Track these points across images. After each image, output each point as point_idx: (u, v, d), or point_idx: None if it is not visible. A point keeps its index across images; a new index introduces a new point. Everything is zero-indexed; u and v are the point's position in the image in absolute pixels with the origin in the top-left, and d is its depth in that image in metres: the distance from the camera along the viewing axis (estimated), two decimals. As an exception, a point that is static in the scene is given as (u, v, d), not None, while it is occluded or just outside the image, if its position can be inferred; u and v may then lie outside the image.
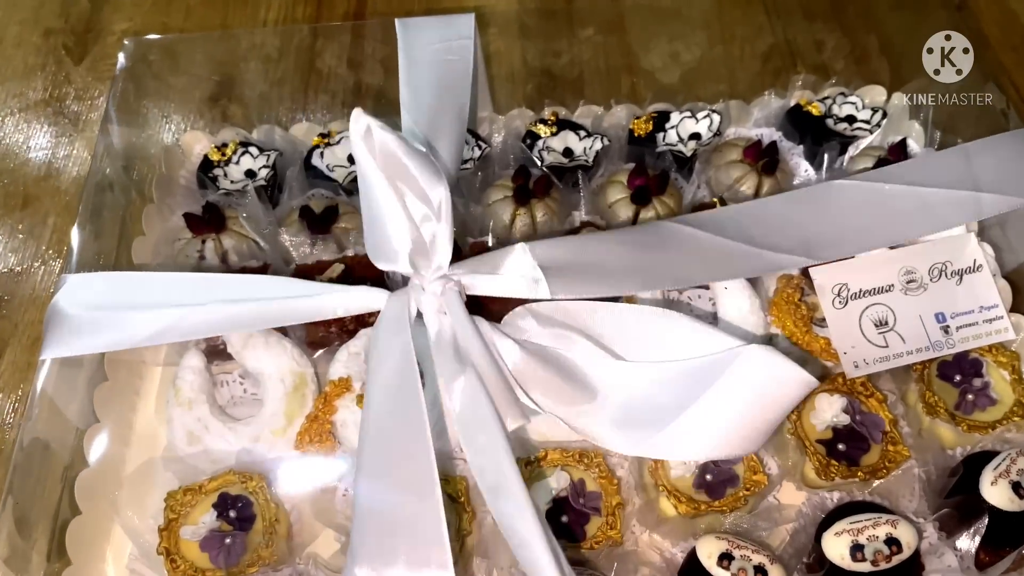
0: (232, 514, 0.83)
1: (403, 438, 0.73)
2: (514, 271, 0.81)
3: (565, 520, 0.82)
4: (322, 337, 0.95)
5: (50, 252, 1.13)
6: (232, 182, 1.08)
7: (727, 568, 0.75)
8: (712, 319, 0.97)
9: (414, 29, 1.01)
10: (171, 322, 0.82)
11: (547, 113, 1.13)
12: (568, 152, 1.10)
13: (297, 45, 1.23)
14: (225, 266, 1.00)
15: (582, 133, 1.11)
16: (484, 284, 0.83)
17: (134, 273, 0.89)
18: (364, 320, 0.94)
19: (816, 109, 1.11)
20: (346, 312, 0.85)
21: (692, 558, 0.78)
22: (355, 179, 1.06)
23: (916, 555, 0.78)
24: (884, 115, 1.10)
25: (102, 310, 0.84)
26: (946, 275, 0.93)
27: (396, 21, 1.01)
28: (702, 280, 0.89)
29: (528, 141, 1.10)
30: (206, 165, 1.10)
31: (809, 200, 0.92)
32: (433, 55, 0.99)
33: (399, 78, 0.96)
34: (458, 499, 0.83)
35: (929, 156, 1.00)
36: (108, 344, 0.84)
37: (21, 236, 1.15)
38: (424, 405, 0.74)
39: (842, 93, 1.14)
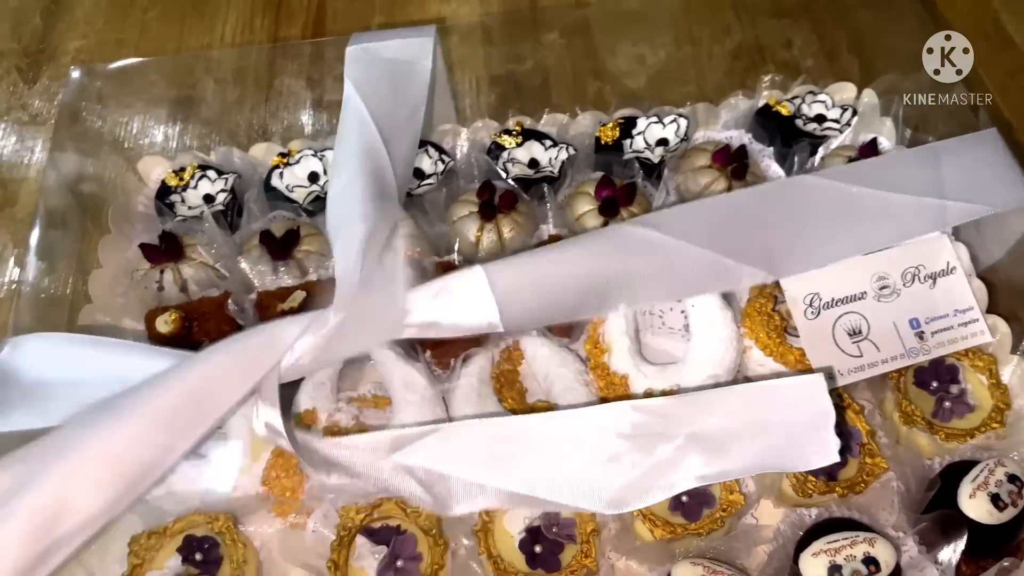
0: (198, 557, 0.81)
1: None
2: (466, 302, 0.79)
3: (539, 550, 0.80)
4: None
5: (10, 285, 1.10)
6: (190, 208, 1.05)
7: (703, 595, 0.74)
8: (684, 331, 0.95)
9: (368, 43, 0.98)
10: None
11: (512, 123, 1.11)
12: (534, 163, 1.07)
13: (255, 65, 1.20)
14: (185, 295, 0.98)
15: (547, 143, 1.08)
16: (439, 318, 0.81)
17: (84, 337, 0.85)
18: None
19: (785, 109, 1.09)
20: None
21: (668, 585, 0.77)
22: (316, 199, 1.05)
23: (898, 570, 0.77)
24: (854, 113, 1.08)
25: (51, 381, 0.80)
26: (919, 279, 0.91)
27: (352, 36, 0.99)
28: (665, 298, 0.87)
29: (493, 153, 1.08)
30: (163, 191, 1.07)
31: (773, 198, 0.89)
32: (388, 69, 0.97)
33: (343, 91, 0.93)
34: (429, 532, 0.81)
35: (897, 156, 0.98)
36: (59, 419, 0.81)
37: (-23, 270, 1.13)
38: None
39: (811, 92, 1.12)
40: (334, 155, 0.93)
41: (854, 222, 0.89)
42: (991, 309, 0.94)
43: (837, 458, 0.71)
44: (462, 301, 0.79)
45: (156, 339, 0.92)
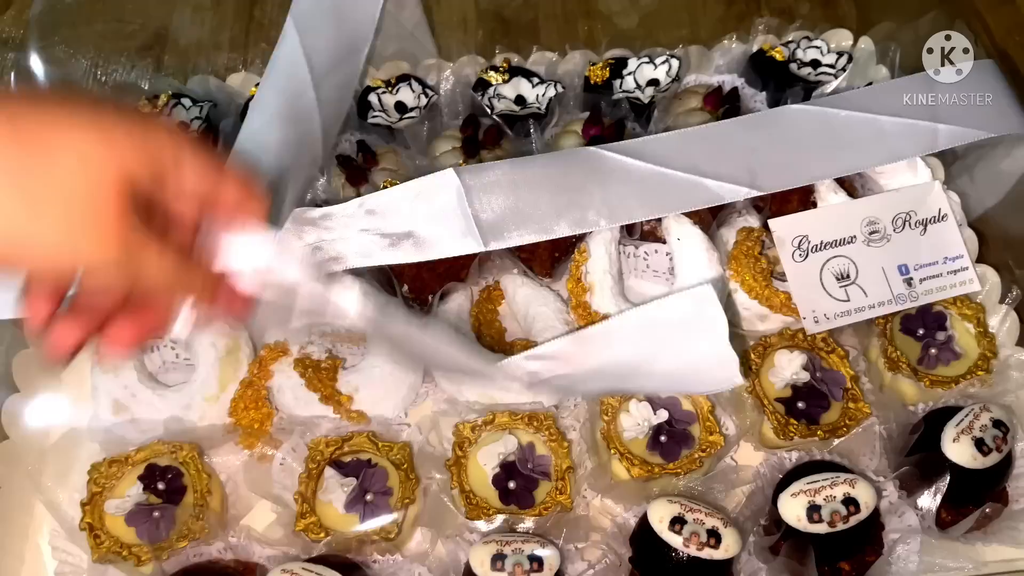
0: (160, 486, 0.79)
1: None
2: (441, 207, 0.76)
3: (512, 486, 0.78)
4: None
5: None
6: (163, 135, 1.01)
7: (679, 532, 0.72)
8: (669, 275, 0.93)
9: None
10: None
11: (499, 60, 1.07)
12: (520, 100, 1.04)
13: (234, -8, 1.16)
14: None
15: (535, 80, 1.05)
16: (416, 228, 0.77)
17: None
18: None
19: (779, 54, 1.06)
20: None
21: (644, 523, 0.75)
22: (293, 131, 1.01)
23: (876, 514, 0.75)
24: (850, 59, 1.05)
25: None
26: (910, 225, 0.89)
27: None
28: (641, 216, 0.84)
29: (478, 89, 1.04)
30: (135, 118, 1.03)
31: (758, 125, 0.88)
32: (336, 2, 0.93)
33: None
34: (401, 466, 0.79)
35: (890, 83, 0.96)
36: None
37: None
38: None
39: (807, 37, 1.09)
40: (257, 92, 0.89)
41: (842, 143, 0.87)
42: (981, 258, 0.92)
43: (740, 378, 0.72)
44: (437, 206, 0.76)
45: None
